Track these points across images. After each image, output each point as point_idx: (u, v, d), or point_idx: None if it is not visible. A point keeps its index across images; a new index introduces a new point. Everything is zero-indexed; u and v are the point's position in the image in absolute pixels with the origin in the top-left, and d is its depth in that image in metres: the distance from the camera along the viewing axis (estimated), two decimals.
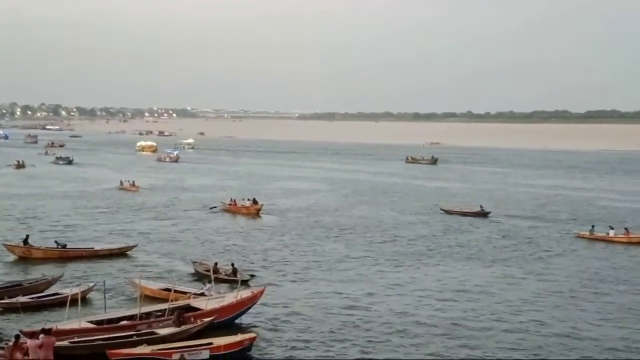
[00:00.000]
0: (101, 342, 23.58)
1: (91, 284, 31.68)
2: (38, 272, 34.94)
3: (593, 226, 51.25)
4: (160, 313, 26.70)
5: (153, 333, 24.86)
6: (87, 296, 30.42)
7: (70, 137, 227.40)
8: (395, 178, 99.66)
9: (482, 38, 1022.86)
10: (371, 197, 74.65)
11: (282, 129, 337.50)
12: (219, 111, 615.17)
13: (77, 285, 29.69)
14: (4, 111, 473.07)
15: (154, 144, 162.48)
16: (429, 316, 29.25)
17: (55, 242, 41.35)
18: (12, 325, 26.43)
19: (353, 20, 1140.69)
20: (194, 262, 37.25)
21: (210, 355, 23.25)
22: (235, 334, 24.81)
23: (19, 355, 21.31)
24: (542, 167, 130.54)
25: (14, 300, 29.22)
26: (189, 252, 41.71)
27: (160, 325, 25.66)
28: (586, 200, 73.77)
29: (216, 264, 35.55)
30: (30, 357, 21.18)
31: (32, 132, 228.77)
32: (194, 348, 23.34)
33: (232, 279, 33.07)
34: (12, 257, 39.37)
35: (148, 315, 26.55)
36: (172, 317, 25.94)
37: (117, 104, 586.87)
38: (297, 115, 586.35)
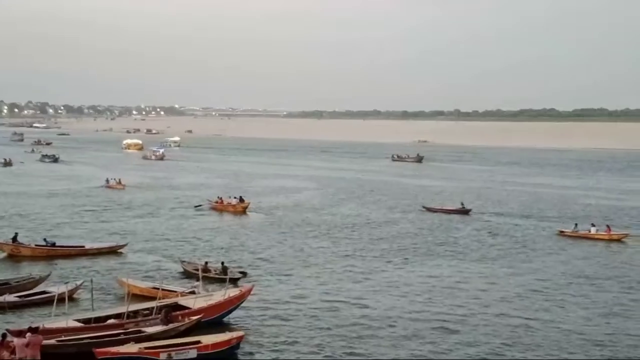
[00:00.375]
0: (89, 340, 23.58)
1: (79, 283, 31.69)
2: (26, 270, 35.00)
3: (576, 224, 51.71)
4: (147, 311, 26.72)
5: (141, 331, 24.88)
6: (75, 295, 30.38)
7: (58, 135, 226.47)
8: (381, 176, 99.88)
9: (470, 39, 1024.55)
10: (357, 195, 74.83)
11: (270, 126, 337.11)
12: (207, 109, 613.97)
13: (65, 284, 29.62)
14: None
15: (140, 142, 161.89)
16: (417, 315, 29.38)
17: (44, 240, 41.29)
18: None
19: (342, 19, 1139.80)
20: (183, 262, 37.20)
21: (198, 355, 23.30)
22: (223, 332, 24.88)
23: (5, 354, 21.30)
24: (530, 165, 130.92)
25: (1, 299, 29.19)
26: (177, 250, 41.75)
27: (148, 323, 25.67)
28: (572, 198, 74.16)
29: (206, 263, 35.59)
30: (17, 356, 21.17)
31: (19, 130, 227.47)
32: (182, 347, 23.37)
33: (223, 278, 33.01)
34: (0, 255, 39.37)
35: (135, 313, 26.56)
36: (160, 315, 25.96)
37: (104, 102, 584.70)
38: (285, 113, 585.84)
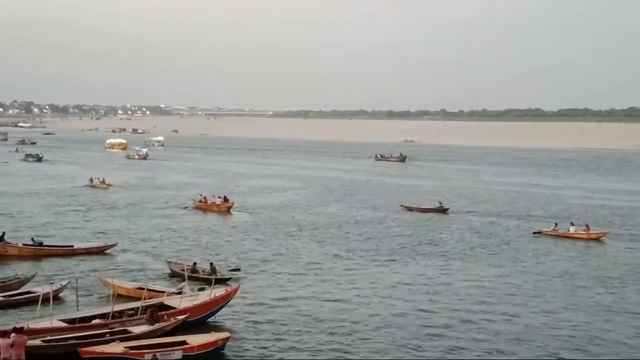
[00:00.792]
0: (74, 340, 23.53)
1: (64, 283, 31.58)
2: (13, 270, 34.84)
3: (556, 223, 52.12)
4: (133, 311, 26.68)
5: (126, 331, 24.84)
6: (60, 295, 30.28)
7: (44, 134, 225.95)
8: (364, 175, 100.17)
9: (456, 37, 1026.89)
10: (341, 194, 75.02)
11: (256, 126, 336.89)
12: (193, 109, 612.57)
13: (50, 284, 29.50)
14: None
15: (124, 141, 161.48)
16: (403, 314, 29.48)
17: (32, 239, 41.07)
18: None
19: (327, 19, 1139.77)
20: (169, 262, 37.02)
21: (183, 355, 23.25)
22: (209, 333, 24.85)
23: None
24: (515, 164, 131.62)
25: None
26: (163, 250, 41.68)
27: (134, 323, 25.64)
28: (556, 198, 74.61)
29: (195, 264, 35.54)
30: (1, 357, 21.08)
31: (3, 129, 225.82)
32: (167, 348, 23.32)
33: (212, 278, 32.78)
34: None
35: (121, 313, 26.53)
36: (145, 315, 25.92)
37: (90, 102, 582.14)
38: (271, 112, 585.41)
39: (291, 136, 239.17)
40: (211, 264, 35.63)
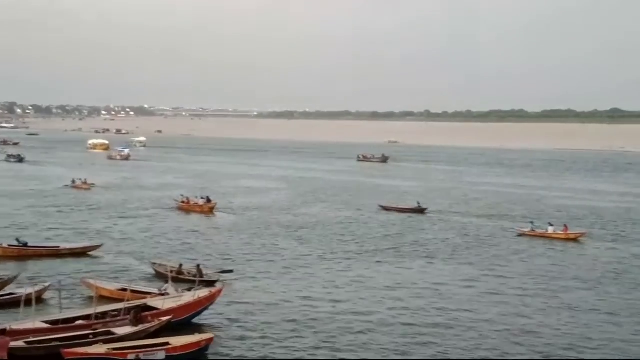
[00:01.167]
0: (57, 342, 23.51)
1: (47, 284, 31.47)
2: None
3: (532, 222, 52.62)
4: (116, 313, 26.65)
5: (109, 333, 24.85)
6: (43, 296, 30.21)
7: (28, 135, 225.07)
8: (347, 176, 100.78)
9: (436, 39, 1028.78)
10: (323, 195, 75.35)
11: (240, 127, 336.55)
12: (177, 109, 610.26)
13: (33, 285, 29.47)
14: None
15: (106, 142, 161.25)
16: (386, 314, 29.69)
17: (17, 240, 40.92)
18: None
19: (310, 18, 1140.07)
20: (154, 264, 36.95)
21: (167, 356, 23.33)
22: (193, 334, 24.92)
23: None
24: (498, 165, 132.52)
25: None
26: (147, 251, 41.67)
27: (117, 324, 25.64)
28: (537, 198, 75.18)
29: (181, 265, 35.52)
30: None
31: None
32: (150, 349, 23.37)
33: (199, 280, 32.70)
34: None
35: (104, 315, 26.50)
36: (129, 316, 25.92)
37: (73, 102, 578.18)
38: (255, 113, 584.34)
39: (275, 137, 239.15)
40: (198, 265, 35.54)
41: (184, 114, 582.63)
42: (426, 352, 25.37)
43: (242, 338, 26.20)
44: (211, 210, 59.58)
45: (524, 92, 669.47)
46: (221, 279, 34.25)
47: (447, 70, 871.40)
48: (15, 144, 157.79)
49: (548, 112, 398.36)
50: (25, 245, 40.23)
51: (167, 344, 23.84)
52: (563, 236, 49.42)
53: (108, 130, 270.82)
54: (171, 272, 32.97)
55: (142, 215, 56.81)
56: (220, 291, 29.43)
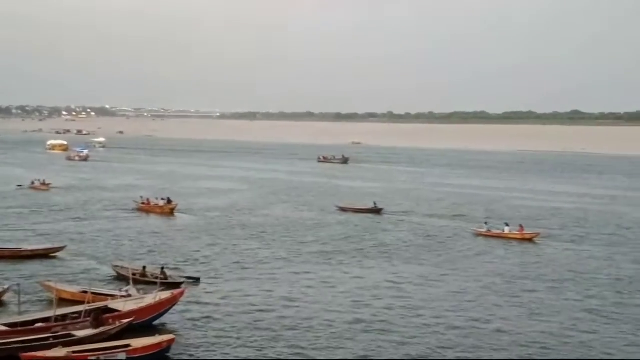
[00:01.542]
0: (16, 345, 23.27)
1: (5, 286, 31.10)
2: None
3: (486, 222, 53.42)
4: (76, 315, 26.44)
5: (69, 335, 24.64)
6: (2, 298, 29.90)
7: None
8: (307, 177, 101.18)
9: (400, 40, 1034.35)
10: (284, 196, 75.55)
11: (203, 128, 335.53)
12: (139, 110, 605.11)
13: None
14: None
15: (65, 142, 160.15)
16: (347, 314, 29.88)
17: None
18: None
19: (273, 17, 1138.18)
20: (115, 266, 36.65)
21: (128, 358, 23.26)
22: (154, 335, 24.86)
23: None
24: (460, 166, 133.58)
25: None
26: (108, 253, 41.39)
27: (77, 327, 25.43)
28: (498, 199, 75.94)
29: (144, 267, 35.28)
30: None
31: None
32: (111, 351, 23.23)
33: (163, 282, 32.46)
34: None
35: (64, 317, 26.28)
36: (89, 318, 25.72)
37: (33, 102, 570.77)
38: (218, 114, 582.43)
39: (238, 138, 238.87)
40: (162, 267, 35.37)
41: (145, 114, 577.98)
42: (387, 351, 25.58)
43: (203, 338, 26.22)
44: (172, 212, 59.32)
45: (486, 95, 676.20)
46: (185, 282, 34.12)
47: (409, 72, 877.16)
48: None
49: (510, 114, 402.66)
50: None
51: (128, 345, 23.75)
52: (519, 236, 50.09)
53: (69, 131, 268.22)
54: (134, 274, 32.76)
55: (102, 216, 56.32)
56: (182, 293, 29.34)
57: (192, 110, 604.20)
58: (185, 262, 39.63)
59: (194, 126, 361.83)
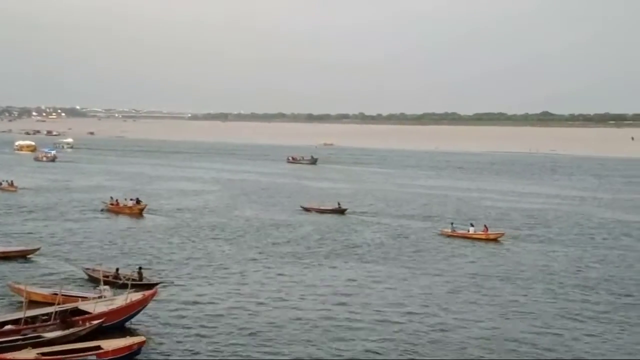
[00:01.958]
0: None
1: None
2: None
3: (452, 223, 54.03)
4: (46, 317, 26.40)
5: (39, 337, 24.64)
6: None
7: None
8: (277, 178, 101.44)
9: (372, 43, 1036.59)
10: (252, 196, 75.78)
11: (174, 129, 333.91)
12: (110, 111, 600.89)
13: None
14: None
15: (33, 143, 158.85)
16: (315, 314, 30.15)
17: None
18: None
19: (246, 18, 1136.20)
20: (87, 269, 36.51)
21: None
22: (125, 337, 24.90)
23: None
24: (431, 167, 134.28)
25: None
26: (79, 255, 41.26)
27: (47, 329, 25.42)
28: (467, 200, 76.62)
29: (117, 270, 35.15)
30: None
31: None
32: (81, 353, 23.25)
33: (137, 284, 32.43)
34: None
35: (34, 319, 26.23)
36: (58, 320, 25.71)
37: (3, 103, 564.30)
38: (189, 115, 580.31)
39: (210, 139, 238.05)
40: (140, 268, 35.21)
41: (116, 115, 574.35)
42: (355, 349, 25.89)
43: (174, 340, 26.31)
44: (141, 212, 59.18)
45: (457, 97, 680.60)
46: (160, 282, 34.10)
47: (380, 74, 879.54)
48: None
49: (481, 115, 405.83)
50: None
51: (99, 347, 23.78)
52: (483, 236, 50.69)
53: (39, 131, 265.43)
54: (106, 276, 32.69)
55: (71, 218, 56.05)
56: (153, 294, 29.35)
57: (164, 111, 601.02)
58: (156, 263, 39.58)
59: (165, 127, 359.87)
